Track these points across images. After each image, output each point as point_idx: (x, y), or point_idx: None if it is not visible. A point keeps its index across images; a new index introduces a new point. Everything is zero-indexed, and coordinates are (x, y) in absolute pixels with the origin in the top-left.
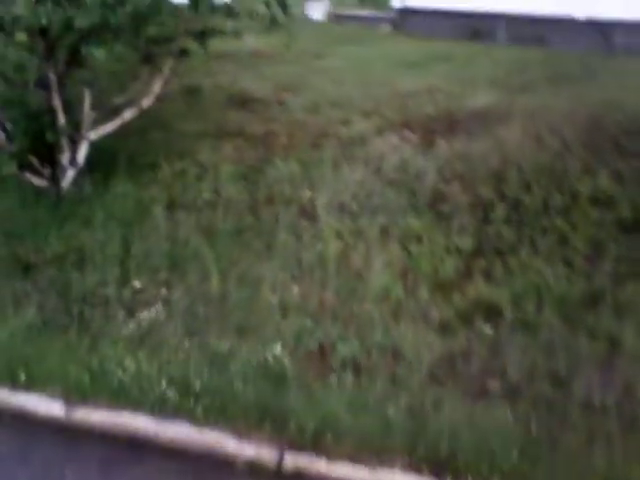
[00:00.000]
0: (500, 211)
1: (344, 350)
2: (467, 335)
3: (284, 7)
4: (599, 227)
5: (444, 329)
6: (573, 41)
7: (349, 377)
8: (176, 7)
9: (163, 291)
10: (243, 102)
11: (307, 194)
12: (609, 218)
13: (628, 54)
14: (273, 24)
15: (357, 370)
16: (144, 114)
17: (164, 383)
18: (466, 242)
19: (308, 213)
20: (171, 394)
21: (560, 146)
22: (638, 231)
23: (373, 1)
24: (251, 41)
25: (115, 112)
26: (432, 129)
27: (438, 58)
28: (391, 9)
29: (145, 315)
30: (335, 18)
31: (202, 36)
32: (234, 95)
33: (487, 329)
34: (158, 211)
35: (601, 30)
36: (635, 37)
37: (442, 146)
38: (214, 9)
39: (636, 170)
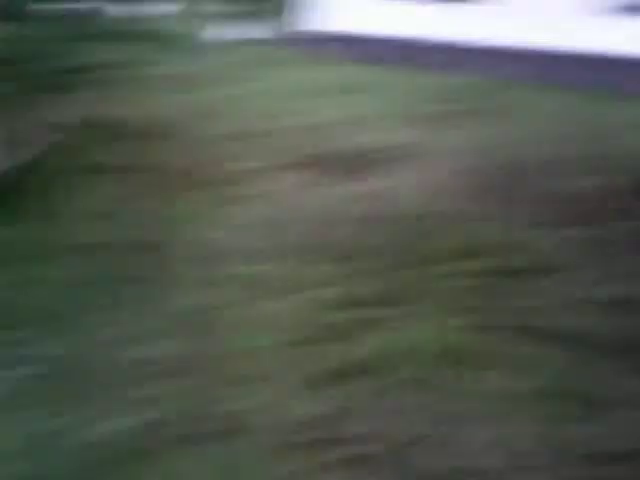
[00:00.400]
0: (396, 257)
1: (199, 416)
2: (344, 395)
3: (189, 35)
4: (487, 276)
5: (321, 388)
6: (499, 69)
7: (197, 448)
8: (90, 36)
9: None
10: (143, 133)
11: (196, 236)
12: (496, 267)
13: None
14: (183, 49)
15: (211, 439)
16: (46, 148)
17: None
18: (357, 291)
19: (193, 258)
20: None
21: (465, 188)
22: (526, 280)
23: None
24: (170, 65)
25: (11, 146)
26: (339, 167)
27: (362, 85)
28: (328, 33)
29: None
30: (276, 40)
31: (116, 66)
32: (134, 125)
33: (366, 388)
34: (19, 256)
35: (527, 59)
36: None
37: (346, 186)
38: (134, 37)
39: (535, 215)
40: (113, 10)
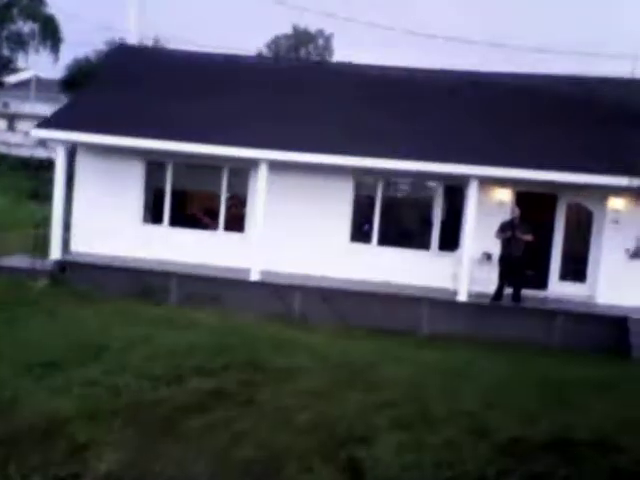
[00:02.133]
0: None
1: None
2: None
3: None
4: None
5: None
6: (249, 301)
7: None
8: None
9: None
10: None
11: None
12: None
13: (305, 319)
14: None
15: None
16: None
17: None
18: None
19: None
20: None
21: None
22: None
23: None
24: None
25: None
26: None
27: (88, 350)
28: (51, 260)
29: None
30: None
31: None
32: None
33: None
34: None
35: (280, 295)
36: (311, 302)
37: None
38: None
39: None
40: None
